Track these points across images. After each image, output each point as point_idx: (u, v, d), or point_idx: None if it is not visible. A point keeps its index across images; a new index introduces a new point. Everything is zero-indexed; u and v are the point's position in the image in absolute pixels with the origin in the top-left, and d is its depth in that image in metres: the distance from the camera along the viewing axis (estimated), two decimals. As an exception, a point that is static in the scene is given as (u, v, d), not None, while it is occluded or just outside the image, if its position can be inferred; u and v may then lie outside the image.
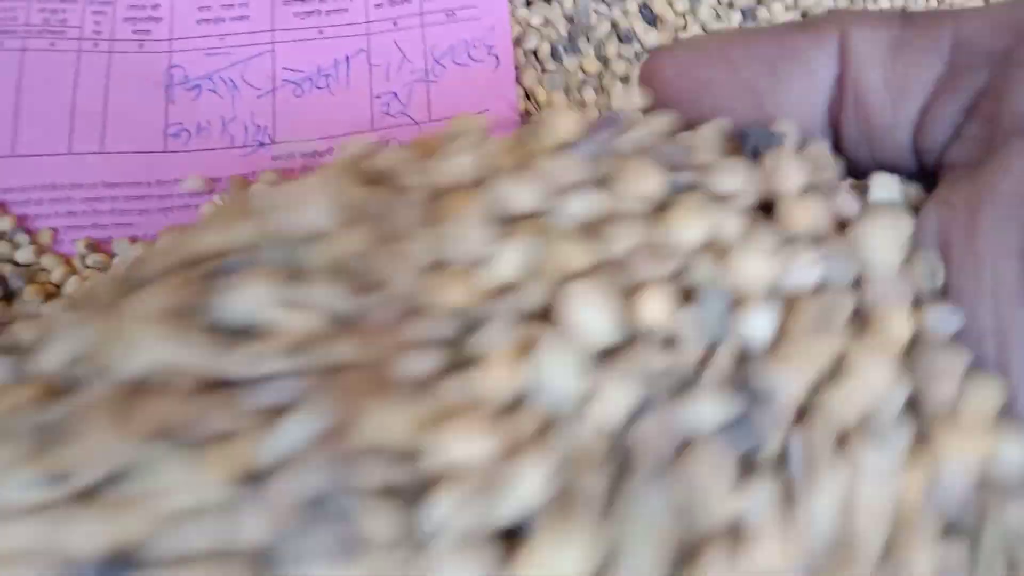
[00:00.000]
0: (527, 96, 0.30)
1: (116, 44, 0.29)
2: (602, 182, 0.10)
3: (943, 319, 0.10)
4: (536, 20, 0.31)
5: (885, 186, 0.11)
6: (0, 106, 0.28)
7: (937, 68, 0.12)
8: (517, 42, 0.30)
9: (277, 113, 0.29)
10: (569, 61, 0.30)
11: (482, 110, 0.29)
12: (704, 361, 0.09)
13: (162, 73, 0.29)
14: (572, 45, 0.30)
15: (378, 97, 0.30)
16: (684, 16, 0.31)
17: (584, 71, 0.30)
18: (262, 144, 0.29)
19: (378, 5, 0.31)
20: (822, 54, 0.13)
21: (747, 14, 0.31)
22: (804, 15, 0.32)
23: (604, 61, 0.30)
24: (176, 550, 0.08)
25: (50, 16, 0.29)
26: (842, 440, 0.09)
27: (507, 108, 0.29)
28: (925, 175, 0.13)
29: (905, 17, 0.13)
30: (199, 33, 0.30)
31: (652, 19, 0.31)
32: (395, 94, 0.30)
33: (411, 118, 0.29)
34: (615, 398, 0.09)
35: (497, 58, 0.30)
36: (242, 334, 0.09)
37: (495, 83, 0.30)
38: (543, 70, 0.30)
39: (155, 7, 0.30)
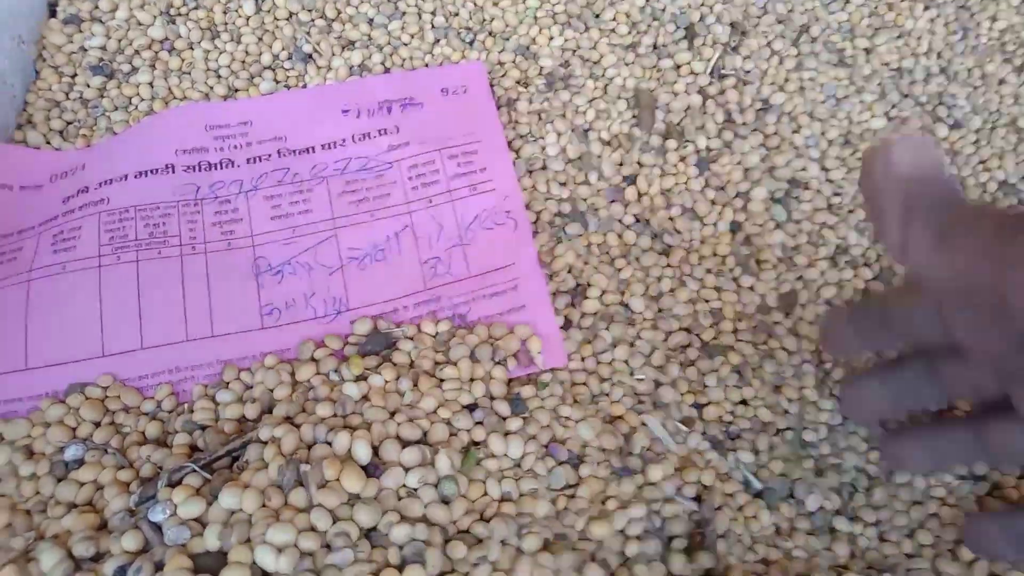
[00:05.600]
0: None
1: (209, 245, 0.36)
2: None
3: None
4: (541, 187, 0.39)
5: None
6: (126, 309, 0.34)
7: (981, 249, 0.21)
8: (527, 206, 0.39)
9: (348, 285, 0.36)
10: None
11: (510, 263, 0.37)
12: None
13: (250, 264, 0.36)
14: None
15: (425, 262, 0.37)
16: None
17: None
18: (339, 312, 0.36)
19: (414, 188, 0.39)
20: None
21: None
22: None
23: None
24: None
25: (153, 229, 0.36)
26: None
27: (530, 260, 0.37)
28: None
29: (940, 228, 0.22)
30: (274, 228, 0.37)
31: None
32: (439, 258, 0.37)
33: (454, 276, 0.37)
34: None
35: (515, 221, 0.38)
36: None
37: (517, 241, 0.37)
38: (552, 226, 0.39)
39: (235, 211, 0.37)
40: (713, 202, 0.40)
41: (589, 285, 0.37)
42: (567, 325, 0.36)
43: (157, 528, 0.25)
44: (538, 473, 0.29)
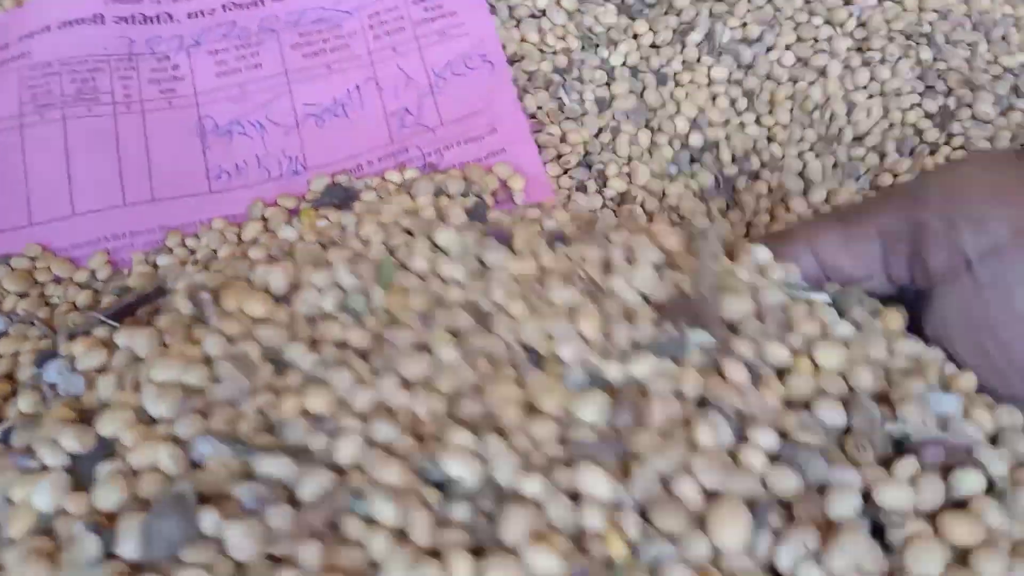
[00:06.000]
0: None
1: (147, 104, 0.32)
2: None
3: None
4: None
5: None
6: (54, 172, 0.30)
7: (876, 250, 0.22)
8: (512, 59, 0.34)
9: (305, 143, 0.32)
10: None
11: (486, 107, 0.32)
12: None
13: (194, 124, 0.32)
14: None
15: (392, 114, 0.33)
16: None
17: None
18: (296, 172, 0.32)
19: (376, 37, 0.34)
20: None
21: None
22: None
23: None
24: None
25: (82, 85, 0.32)
26: None
27: (509, 103, 0.32)
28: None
29: (843, 221, 0.23)
30: (220, 85, 0.33)
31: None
32: (406, 109, 0.33)
33: (425, 126, 0.32)
34: None
35: (492, 63, 0.33)
36: None
37: (494, 85, 0.33)
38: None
39: (175, 67, 0.33)
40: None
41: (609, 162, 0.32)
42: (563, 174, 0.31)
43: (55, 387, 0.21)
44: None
